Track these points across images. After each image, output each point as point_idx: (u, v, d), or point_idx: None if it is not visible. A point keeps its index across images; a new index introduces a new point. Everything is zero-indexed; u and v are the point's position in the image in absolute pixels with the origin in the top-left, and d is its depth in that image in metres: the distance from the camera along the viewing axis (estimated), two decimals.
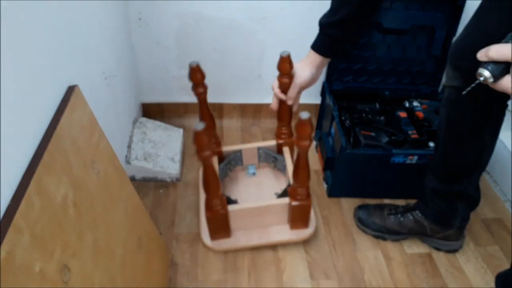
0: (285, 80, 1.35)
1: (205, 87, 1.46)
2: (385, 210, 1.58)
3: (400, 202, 1.71)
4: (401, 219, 1.53)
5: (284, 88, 1.38)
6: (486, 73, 0.73)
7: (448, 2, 1.69)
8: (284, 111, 1.51)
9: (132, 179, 1.71)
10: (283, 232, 1.52)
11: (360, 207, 1.64)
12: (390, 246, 1.57)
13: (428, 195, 1.45)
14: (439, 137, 1.34)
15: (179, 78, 1.96)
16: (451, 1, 1.69)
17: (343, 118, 1.71)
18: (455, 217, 1.45)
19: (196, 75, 1.41)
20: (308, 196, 1.42)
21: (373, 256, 1.51)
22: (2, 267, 0.57)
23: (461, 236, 1.52)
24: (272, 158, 1.67)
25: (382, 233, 1.57)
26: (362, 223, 1.60)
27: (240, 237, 1.50)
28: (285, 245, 1.53)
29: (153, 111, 2.04)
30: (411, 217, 1.51)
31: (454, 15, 1.72)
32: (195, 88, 1.45)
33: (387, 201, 1.73)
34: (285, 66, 1.32)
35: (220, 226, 1.45)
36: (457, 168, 1.35)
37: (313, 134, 1.34)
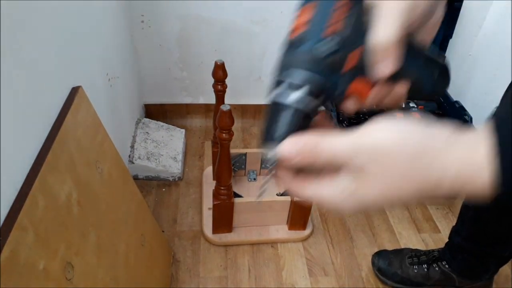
0: None
1: (224, 86, 1.49)
2: (406, 259, 1.45)
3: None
4: (426, 270, 1.40)
5: None
6: None
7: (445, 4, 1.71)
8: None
9: (135, 178, 1.74)
10: (282, 231, 1.56)
11: (378, 254, 1.51)
12: (388, 246, 1.59)
13: (456, 248, 1.34)
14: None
15: (181, 79, 1.99)
16: (448, 3, 1.70)
17: (341, 118, 1.73)
18: (486, 272, 1.36)
19: (219, 72, 1.44)
20: None
21: (371, 253, 1.54)
22: (7, 265, 0.58)
23: (490, 285, 1.43)
24: None
25: (406, 285, 1.44)
26: (383, 274, 1.47)
27: (241, 233, 1.54)
28: (284, 242, 1.56)
29: (155, 112, 2.07)
30: (437, 269, 1.39)
31: (451, 16, 1.74)
32: (215, 85, 1.48)
33: None
34: None
35: (224, 217, 1.48)
36: (491, 233, 1.23)
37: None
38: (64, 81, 0.95)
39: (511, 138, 0.33)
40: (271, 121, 0.40)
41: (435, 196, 0.37)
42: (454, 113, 1.77)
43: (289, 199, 1.48)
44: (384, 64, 0.41)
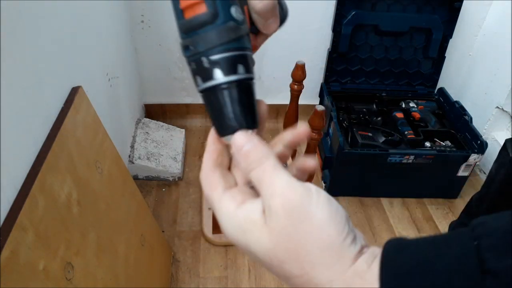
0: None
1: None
2: None
3: (398, 201, 1.74)
4: None
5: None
6: None
7: (445, 5, 1.71)
8: (291, 116, 1.55)
9: (135, 178, 1.74)
10: None
11: None
12: None
13: None
14: (484, 195, 1.21)
15: (181, 79, 1.99)
16: (448, 3, 1.71)
17: (341, 118, 1.74)
18: None
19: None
20: None
21: None
22: (7, 265, 0.58)
23: None
24: None
25: None
26: None
27: None
28: None
29: (155, 111, 2.07)
30: None
31: (451, 17, 1.74)
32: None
33: (384, 200, 1.75)
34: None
35: None
36: None
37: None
38: (64, 81, 0.95)
39: (391, 267, 0.31)
40: (217, 110, 0.38)
41: None
42: (454, 113, 1.78)
43: None
44: (272, 22, 0.42)
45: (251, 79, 0.38)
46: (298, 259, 0.33)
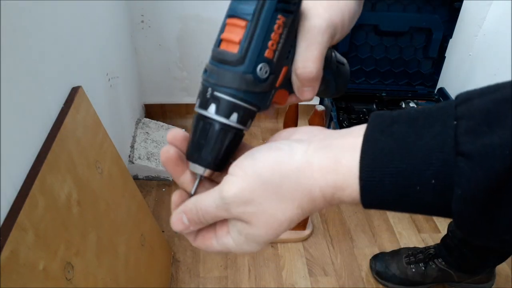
0: None
1: None
2: (403, 258, 1.45)
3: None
4: (424, 269, 1.41)
5: None
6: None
7: (445, 4, 1.71)
8: (291, 116, 1.55)
9: (135, 178, 1.74)
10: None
11: (375, 258, 1.50)
12: (388, 246, 1.59)
13: (454, 242, 1.32)
14: None
15: (181, 79, 1.99)
16: (448, 3, 1.71)
17: (341, 118, 1.74)
18: (485, 267, 1.36)
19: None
20: None
21: (371, 254, 1.54)
22: (7, 265, 0.58)
23: (492, 276, 1.44)
24: None
25: (405, 285, 1.44)
26: (381, 277, 1.46)
27: None
28: (284, 242, 1.56)
29: (155, 111, 2.07)
30: (434, 266, 1.39)
31: (451, 17, 1.74)
32: None
33: None
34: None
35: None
36: (476, 239, 1.20)
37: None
38: (64, 81, 0.95)
39: (371, 150, 0.33)
40: (200, 137, 0.40)
41: (316, 210, 0.38)
42: None
43: None
44: (308, 91, 0.43)
45: (240, 130, 0.40)
46: (280, 213, 0.37)
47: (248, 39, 0.37)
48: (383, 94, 1.86)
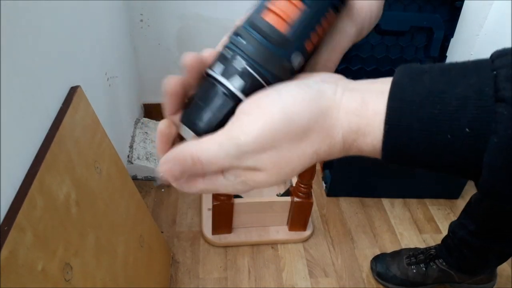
0: None
1: None
2: (404, 259, 1.45)
3: (399, 201, 1.73)
4: (425, 269, 1.41)
5: None
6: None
7: (446, 4, 1.71)
8: None
9: (134, 178, 1.73)
10: (282, 232, 1.55)
11: (375, 259, 1.50)
12: (389, 246, 1.59)
13: (455, 243, 1.31)
14: None
15: None
16: (449, 2, 1.70)
17: None
18: (485, 267, 1.35)
19: None
20: (310, 195, 1.45)
21: (372, 254, 1.53)
22: (6, 266, 0.58)
23: (493, 276, 1.44)
24: None
25: (406, 286, 1.44)
26: (382, 278, 1.46)
27: (241, 234, 1.53)
28: (284, 243, 1.55)
29: (154, 111, 2.06)
30: (435, 267, 1.39)
31: (452, 16, 1.73)
32: None
33: (385, 201, 1.75)
34: None
35: (224, 217, 1.48)
36: (501, 230, 1.20)
37: None
38: (63, 81, 0.95)
39: (400, 95, 0.30)
40: (202, 99, 0.36)
41: (331, 157, 0.35)
42: None
43: (290, 200, 1.47)
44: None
45: (236, 97, 0.35)
46: (301, 157, 0.33)
47: (301, 24, 0.35)
48: None
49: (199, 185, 0.36)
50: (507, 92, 0.27)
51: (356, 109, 0.32)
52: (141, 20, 1.77)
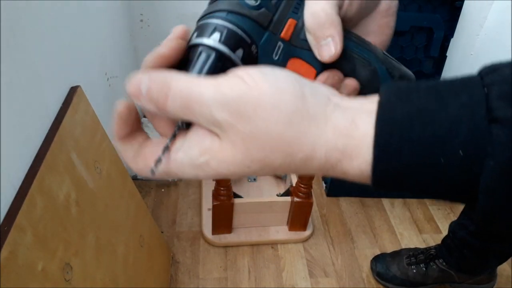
0: None
1: None
2: (404, 259, 1.45)
3: (399, 201, 1.73)
4: (425, 269, 1.40)
5: None
6: None
7: (446, 4, 1.71)
8: None
9: (134, 178, 1.73)
10: (282, 232, 1.55)
11: (375, 259, 1.50)
12: (389, 246, 1.59)
13: (455, 243, 1.31)
14: None
15: None
16: (449, 2, 1.70)
17: None
18: (485, 267, 1.36)
19: None
20: (310, 195, 1.45)
21: (372, 254, 1.53)
22: (6, 266, 0.58)
23: (493, 276, 1.44)
24: None
25: (406, 286, 1.44)
26: (382, 278, 1.46)
27: (241, 234, 1.53)
28: (284, 243, 1.55)
29: None
30: (435, 267, 1.39)
31: (452, 16, 1.73)
32: None
33: (385, 201, 1.74)
34: None
35: (224, 217, 1.48)
36: (506, 227, 1.21)
37: None
38: (63, 81, 0.95)
39: (388, 115, 0.28)
40: (188, 66, 0.35)
41: (307, 170, 0.31)
42: None
43: (290, 200, 1.47)
44: (326, 44, 0.36)
45: (226, 56, 0.34)
46: (274, 148, 0.29)
47: None
48: None
49: (153, 156, 0.34)
50: (500, 111, 0.26)
51: (346, 127, 0.29)
52: (141, 20, 1.77)
